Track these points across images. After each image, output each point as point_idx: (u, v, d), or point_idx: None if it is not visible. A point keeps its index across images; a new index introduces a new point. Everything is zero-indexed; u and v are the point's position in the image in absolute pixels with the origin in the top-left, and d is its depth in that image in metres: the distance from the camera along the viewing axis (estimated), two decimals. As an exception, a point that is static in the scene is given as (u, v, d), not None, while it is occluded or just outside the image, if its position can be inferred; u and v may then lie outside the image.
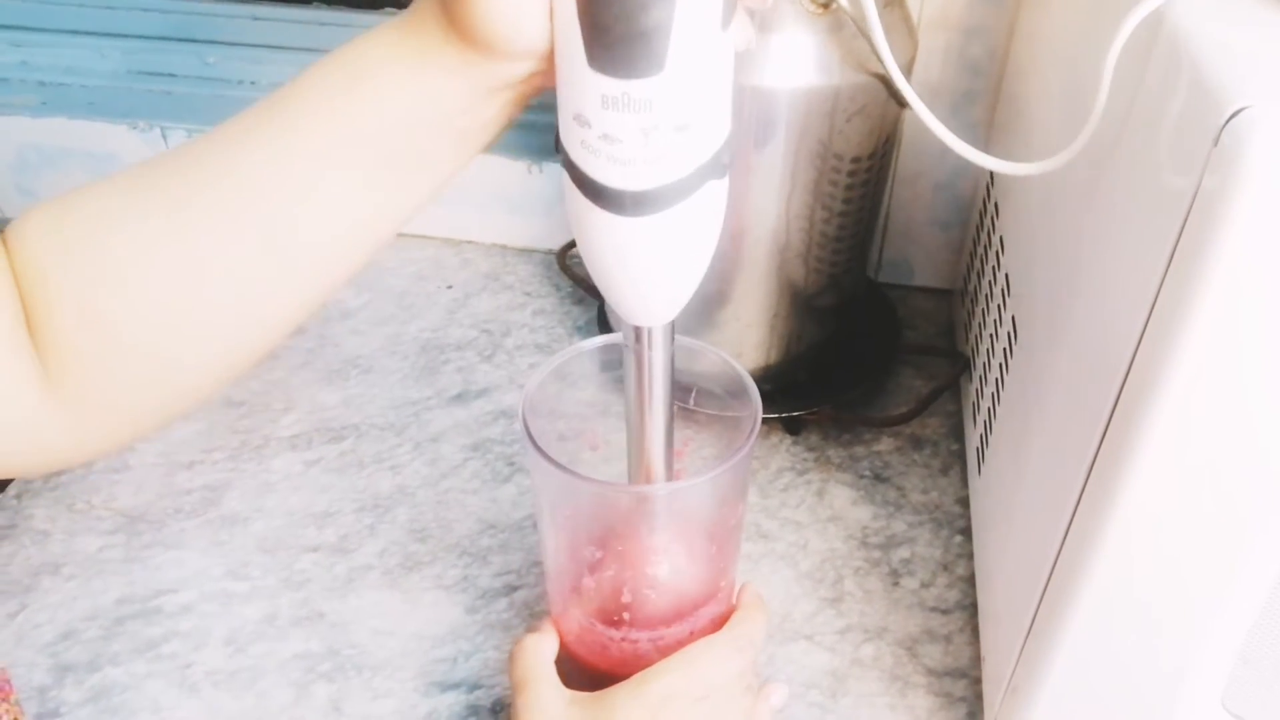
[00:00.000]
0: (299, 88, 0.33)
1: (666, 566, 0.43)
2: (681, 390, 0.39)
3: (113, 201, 0.34)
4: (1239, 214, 0.27)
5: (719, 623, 0.43)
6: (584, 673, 0.42)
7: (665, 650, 0.41)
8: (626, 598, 0.42)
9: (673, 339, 0.36)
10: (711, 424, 0.44)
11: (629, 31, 0.27)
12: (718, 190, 0.31)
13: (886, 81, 0.51)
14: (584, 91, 0.28)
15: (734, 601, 0.44)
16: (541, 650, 0.42)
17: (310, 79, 0.33)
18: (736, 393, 0.41)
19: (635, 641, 0.41)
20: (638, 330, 0.35)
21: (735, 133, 0.32)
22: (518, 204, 0.78)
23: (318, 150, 0.33)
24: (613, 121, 0.28)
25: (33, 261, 0.34)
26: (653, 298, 0.33)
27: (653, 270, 0.32)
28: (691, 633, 0.42)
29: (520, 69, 0.31)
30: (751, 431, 0.39)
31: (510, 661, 0.42)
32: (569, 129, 0.30)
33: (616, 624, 0.42)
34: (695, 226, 0.31)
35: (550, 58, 0.30)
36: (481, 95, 0.32)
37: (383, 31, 0.33)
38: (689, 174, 0.29)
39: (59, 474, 0.61)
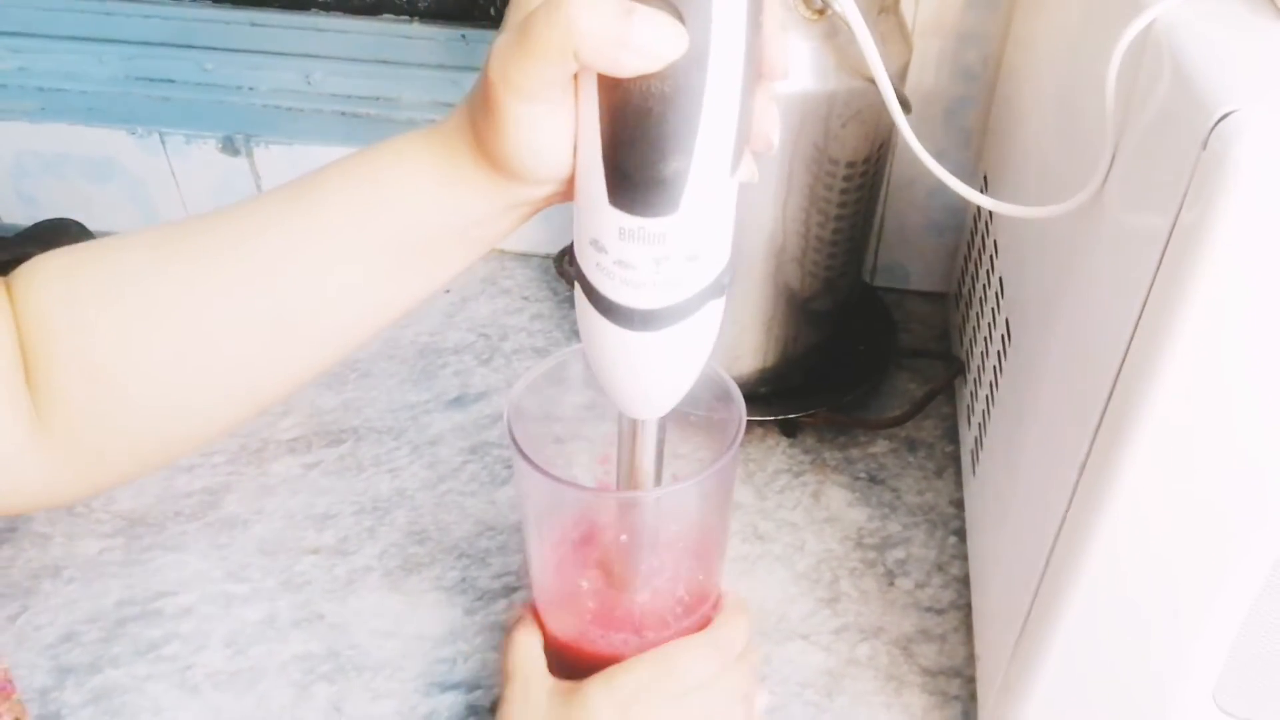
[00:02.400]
0: (323, 181, 0.34)
1: (652, 569, 0.43)
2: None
3: (127, 261, 0.35)
4: (1227, 216, 0.27)
5: (704, 625, 0.43)
6: (567, 664, 0.43)
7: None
8: (611, 600, 0.42)
9: (664, 429, 0.38)
10: (700, 428, 0.44)
11: (649, 178, 0.29)
12: (717, 307, 0.34)
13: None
14: (602, 223, 0.30)
15: (718, 606, 0.44)
16: (531, 642, 0.43)
17: (334, 176, 0.34)
18: (721, 397, 0.42)
19: (620, 644, 0.42)
20: (633, 421, 0.37)
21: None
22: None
23: (334, 245, 0.34)
24: (628, 251, 0.30)
25: (37, 307, 0.35)
26: (649, 398, 0.36)
27: (653, 376, 0.34)
28: (673, 637, 0.42)
29: (543, 191, 0.33)
30: (735, 437, 0.40)
31: (503, 652, 0.43)
32: (585, 251, 0.32)
33: (601, 625, 0.42)
34: (695, 340, 0.34)
35: (571, 180, 0.32)
36: (501, 211, 0.34)
37: (412, 141, 0.34)
38: (693, 295, 0.32)
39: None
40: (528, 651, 0.42)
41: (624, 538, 0.42)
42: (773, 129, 0.32)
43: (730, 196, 0.32)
